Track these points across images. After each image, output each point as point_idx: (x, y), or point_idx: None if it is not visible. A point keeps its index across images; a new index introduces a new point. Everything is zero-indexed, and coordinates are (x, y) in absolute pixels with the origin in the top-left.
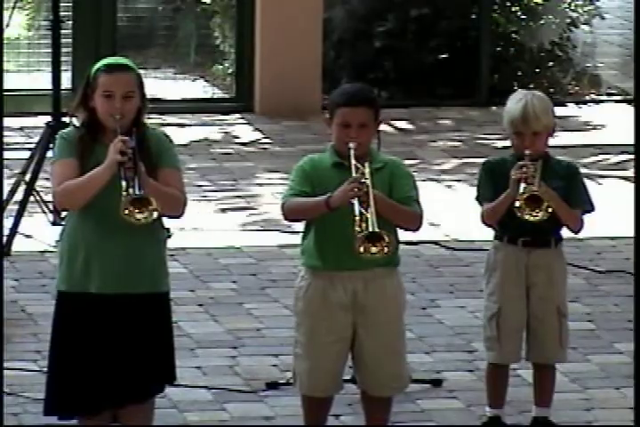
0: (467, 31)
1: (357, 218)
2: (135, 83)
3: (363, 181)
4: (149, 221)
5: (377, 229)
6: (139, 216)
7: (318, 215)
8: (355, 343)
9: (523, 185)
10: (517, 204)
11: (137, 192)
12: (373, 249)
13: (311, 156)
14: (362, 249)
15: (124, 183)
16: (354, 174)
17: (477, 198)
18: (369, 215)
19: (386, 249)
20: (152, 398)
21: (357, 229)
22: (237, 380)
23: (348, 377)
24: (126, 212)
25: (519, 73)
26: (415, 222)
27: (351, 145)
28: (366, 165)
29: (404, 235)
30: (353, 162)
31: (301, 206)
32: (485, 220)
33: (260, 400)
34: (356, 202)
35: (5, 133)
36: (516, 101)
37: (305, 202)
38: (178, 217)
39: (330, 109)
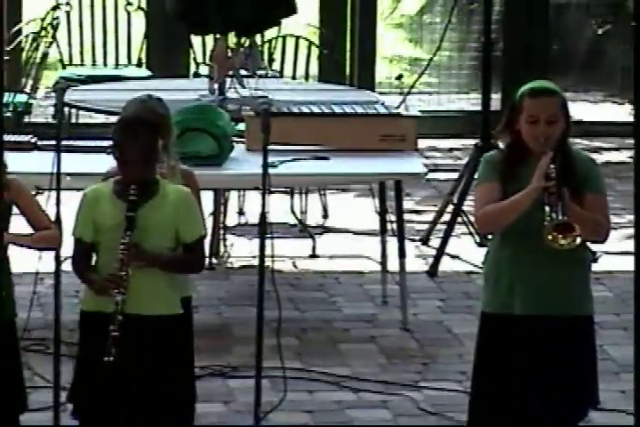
0: None
1: None
2: (559, 107)
3: None
4: (573, 246)
5: None
6: (562, 242)
7: None
8: None
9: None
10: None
11: (560, 217)
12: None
13: None
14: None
15: (547, 208)
16: None
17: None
18: None
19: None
20: (578, 422)
21: None
22: None
23: None
24: (550, 237)
25: None
26: None
27: None
28: None
29: None
30: None
31: None
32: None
33: None
34: None
35: (435, 154)
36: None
37: None
38: (602, 242)
39: None
